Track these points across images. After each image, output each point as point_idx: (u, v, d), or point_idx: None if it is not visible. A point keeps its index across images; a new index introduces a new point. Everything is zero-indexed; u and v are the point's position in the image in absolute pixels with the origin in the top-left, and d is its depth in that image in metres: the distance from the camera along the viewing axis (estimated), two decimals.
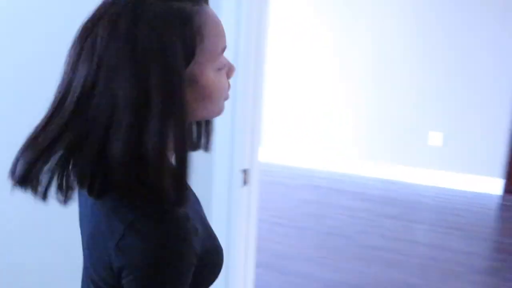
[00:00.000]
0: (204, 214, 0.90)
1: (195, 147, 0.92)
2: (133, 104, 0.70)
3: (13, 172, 0.74)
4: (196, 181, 1.68)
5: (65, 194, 0.76)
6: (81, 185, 0.73)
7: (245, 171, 1.70)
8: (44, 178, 0.73)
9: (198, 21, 0.75)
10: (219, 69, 0.81)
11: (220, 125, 1.64)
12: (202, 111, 0.81)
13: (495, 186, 4.56)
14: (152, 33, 0.71)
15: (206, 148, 0.93)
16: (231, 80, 1.61)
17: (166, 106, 0.70)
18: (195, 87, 0.77)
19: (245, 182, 1.71)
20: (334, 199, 4.30)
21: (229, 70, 0.84)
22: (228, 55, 1.58)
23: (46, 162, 0.73)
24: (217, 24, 0.79)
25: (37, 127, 0.74)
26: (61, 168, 0.74)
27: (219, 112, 0.84)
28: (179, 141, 0.72)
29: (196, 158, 1.67)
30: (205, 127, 0.91)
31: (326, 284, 2.88)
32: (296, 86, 5.16)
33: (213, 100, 0.81)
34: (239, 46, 1.59)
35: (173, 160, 0.75)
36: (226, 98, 0.85)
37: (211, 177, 1.68)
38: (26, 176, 0.72)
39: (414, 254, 3.30)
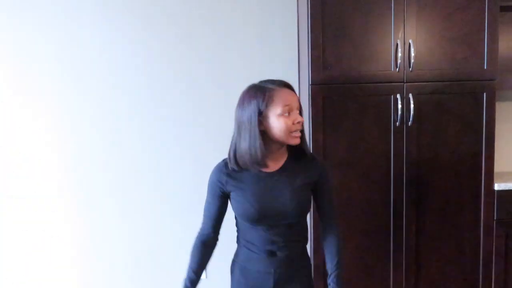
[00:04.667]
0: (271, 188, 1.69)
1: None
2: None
3: None
4: None
5: None
6: None
7: None
8: None
9: (268, 93, 1.54)
10: (279, 116, 1.60)
11: None
12: (278, 138, 1.63)
13: None
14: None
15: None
16: None
17: (241, 133, 1.65)
18: (264, 126, 1.62)
19: None
20: None
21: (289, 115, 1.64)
22: None
23: None
24: (279, 94, 1.59)
25: None
26: None
27: (289, 141, 1.63)
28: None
29: None
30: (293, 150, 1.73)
31: None
32: None
33: (279, 133, 1.60)
34: None
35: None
36: (293, 131, 1.62)
37: None
38: None
39: None
